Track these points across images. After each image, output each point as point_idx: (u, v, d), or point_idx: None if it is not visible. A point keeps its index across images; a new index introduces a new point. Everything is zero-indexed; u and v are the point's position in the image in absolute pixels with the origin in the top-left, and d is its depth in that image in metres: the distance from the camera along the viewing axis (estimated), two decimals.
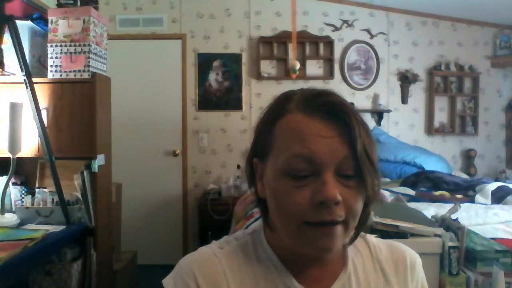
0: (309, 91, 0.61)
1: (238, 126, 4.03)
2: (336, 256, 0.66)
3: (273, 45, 3.98)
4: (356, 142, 0.55)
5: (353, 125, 0.56)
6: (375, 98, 4.12)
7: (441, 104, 4.21)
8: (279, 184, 0.58)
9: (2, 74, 2.01)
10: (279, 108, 0.61)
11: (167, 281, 0.64)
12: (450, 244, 1.52)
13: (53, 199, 1.99)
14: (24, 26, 2.01)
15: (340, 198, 0.55)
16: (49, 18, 2.04)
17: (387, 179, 3.53)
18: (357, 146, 0.55)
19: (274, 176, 0.59)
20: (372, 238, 0.72)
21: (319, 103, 0.58)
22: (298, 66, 3.38)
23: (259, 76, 3.97)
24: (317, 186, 0.55)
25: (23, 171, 2.19)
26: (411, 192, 2.86)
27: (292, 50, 3.49)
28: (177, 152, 3.97)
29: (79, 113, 2.06)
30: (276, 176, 0.59)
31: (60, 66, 2.04)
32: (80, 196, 2.02)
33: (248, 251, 0.66)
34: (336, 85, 4.00)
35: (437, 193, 2.88)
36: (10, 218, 1.90)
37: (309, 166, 0.56)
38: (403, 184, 3.17)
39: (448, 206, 2.19)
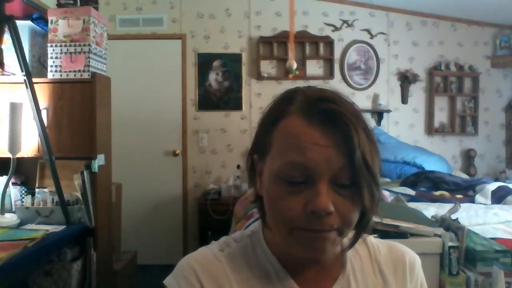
0: (312, 93, 0.59)
1: (238, 126, 4.03)
2: (335, 258, 0.66)
3: (273, 45, 3.98)
4: (354, 153, 0.54)
5: (352, 134, 0.54)
6: (375, 98, 4.12)
7: (441, 104, 4.22)
8: (274, 187, 0.58)
9: (2, 74, 2.01)
10: (280, 109, 0.60)
11: (168, 281, 0.64)
12: (450, 244, 1.52)
13: (53, 199, 1.99)
14: (24, 26, 2.01)
15: (333, 209, 0.54)
16: (49, 18, 2.04)
17: (387, 179, 3.53)
18: (355, 156, 0.54)
19: (270, 178, 0.59)
20: (371, 239, 0.71)
21: (319, 109, 0.56)
22: (295, 66, 3.38)
23: (259, 76, 3.97)
24: (310, 195, 0.55)
25: (23, 171, 2.19)
26: (411, 192, 2.86)
27: (290, 50, 3.50)
28: (177, 152, 3.97)
29: (79, 113, 2.05)
30: (272, 179, 0.58)
31: (60, 66, 2.04)
32: (80, 196, 2.02)
33: (248, 254, 0.66)
34: (336, 85, 4.00)
35: (437, 193, 2.88)
36: (10, 218, 1.90)
37: (304, 174, 0.55)
38: (403, 184, 3.17)
39: (448, 206, 2.19)
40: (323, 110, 0.56)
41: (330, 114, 0.55)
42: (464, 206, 2.37)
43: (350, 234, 0.63)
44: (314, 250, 0.57)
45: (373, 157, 0.56)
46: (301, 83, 3.94)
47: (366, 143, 0.55)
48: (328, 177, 0.55)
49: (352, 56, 4.10)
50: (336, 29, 4.08)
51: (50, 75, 2.05)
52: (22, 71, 1.85)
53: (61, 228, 1.88)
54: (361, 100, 4.04)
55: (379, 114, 4.11)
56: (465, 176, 3.61)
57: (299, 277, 0.63)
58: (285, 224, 0.57)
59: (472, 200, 2.70)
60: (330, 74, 4.04)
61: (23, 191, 2.07)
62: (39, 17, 2.11)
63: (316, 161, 0.54)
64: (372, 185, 0.56)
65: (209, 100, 4.01)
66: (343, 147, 0.54)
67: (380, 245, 0.71)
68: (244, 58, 4.02)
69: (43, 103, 2.02)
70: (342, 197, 0.55)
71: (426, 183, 3.11)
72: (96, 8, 2.14)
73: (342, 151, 0.54)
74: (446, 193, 2.87)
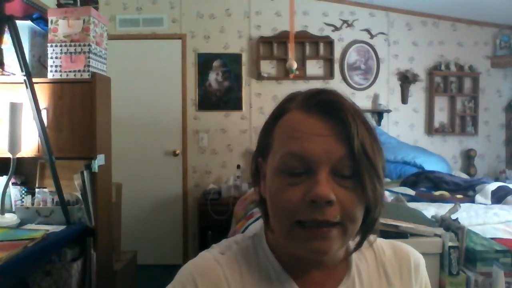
0: (311, 90, 0.61)
1: (238, 126, 4.03)
2: (339, 260, 0.64)
3: (273, 45, 3.98)
4: (353, 141, 0.54)
5: (350, 123, 0.54)
6: (375, 98, 4.12)
7: (441, 104, 4.22)
8: (275, 181, 0.58)
9: (2, 74, 2.01)
10: (281, 107, 0.61)
11: None
12: (450, 244, 1.52)
13: (53, 199, 1.99)
14: (24, 26, 2.01)
15: (333, 198, 0.53)
16: (49, 18, 2.04)
17: (387, 179, 3.52)
18: (355, 145, 0.54)
19: (271, 174, 0.59)
20: (376, 239, 0.71)
21: (317, 100, 0.57)
22: (295, 66, 3.37)
23: (259, 76, 3.96)
24: (310, 185, 0.54)
25: (23, 171, 2.19)
26: (411, 192, 2.85)
27: (290, 50, 3.49)
28: (177, 152, 3.97)
29: (79, 113, 2.05)
30: (273, 174, 0.58)
31: (60, 66, 2.04)
32: (80, 196, 2.02)
33: (249, 256, 0.65)
34: (336, 85, 3.99)
35: (437, 193, 2.88)
36: (10, 218, 1.90)
37: (303, 164, 0.55)
38: (403, 184, 3.16)
39: (448, 206, 2.19)
40: (321, 101, 0.57)
41: (329, 105, 0.56)
42: (464, 206, 2.37)
43: (357, 238, 0.62)
44: (316, 250, 0.55)
45: (374, 151, 0.56)
46: (301, 83, 3.95)
47: (367, 136, 0.56)
48: (328, 167, 0.54)
49: (352, 56, 4.10)
50: (336, 29, 4.08)
51: (50, 75, 2.05)
52: (22, 71, 1.85)
53: (61, 228, 1.88)
54: (361, 100, 4.04)
55: (379, 114, 4.11)
56: (465, 176, 3.61)
57: (302, 279, 0.62)
58: (286, 218, 0.56)
59: (472, 200, 2.70)
60: (330, 74, 4.04)
61: (23, 191, 2.07)
62: (39, 17, 2.11)
63: (314, 150, 0.54)
64: (374, 178, 0.55)
65: (209, 100, 4.01)
66: (342, 136, 0.55)
67: (385, 246, 0.70)
68: (244, 58, 4.02)
69: (43, 103, 2.02)
70: (344, 189, 0.55)
71: (426, 183, 3.11)
72: (96, 8, 2.14)
73: (341, 140, 0.55)
74: (446, 193, 2.86)
